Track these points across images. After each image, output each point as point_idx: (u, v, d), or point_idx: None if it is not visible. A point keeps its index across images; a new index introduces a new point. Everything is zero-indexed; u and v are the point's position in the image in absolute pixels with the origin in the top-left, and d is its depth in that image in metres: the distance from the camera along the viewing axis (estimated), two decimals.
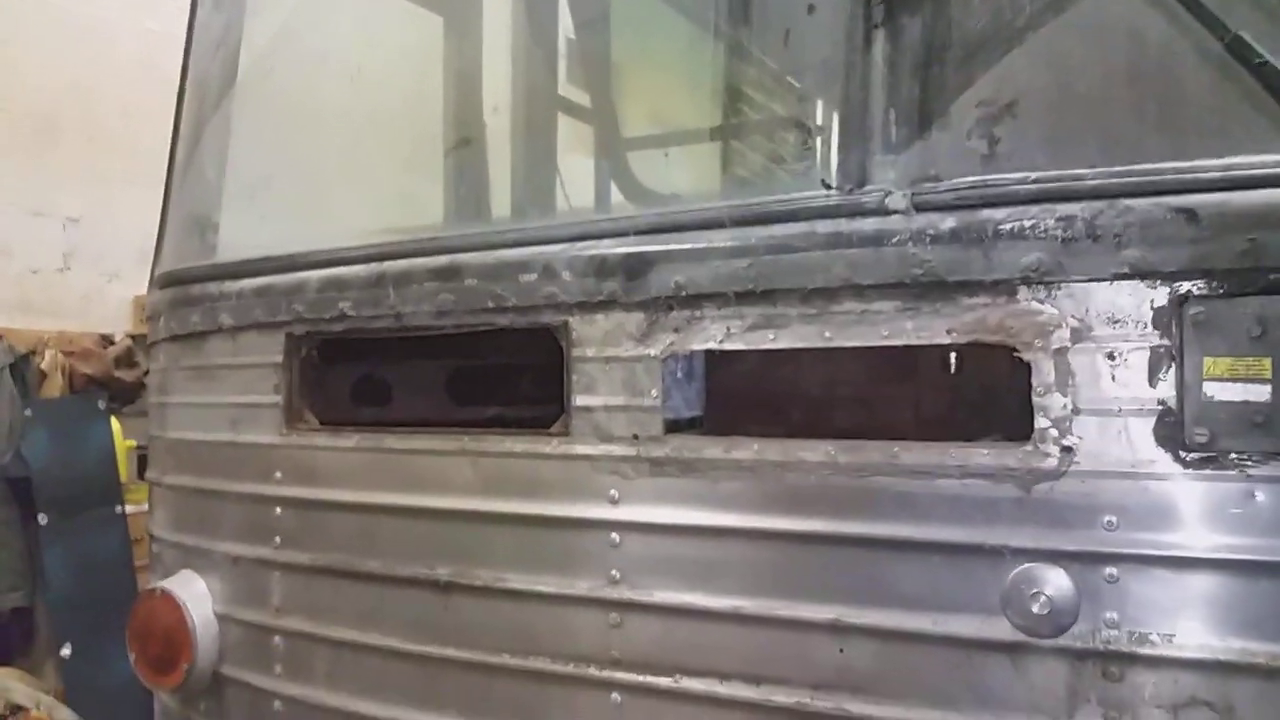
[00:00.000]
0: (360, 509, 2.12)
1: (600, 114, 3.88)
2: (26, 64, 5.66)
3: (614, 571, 1.82)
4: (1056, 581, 1.47)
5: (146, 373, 6.06)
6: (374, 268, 2.11)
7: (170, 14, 6.14)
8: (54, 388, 5.62)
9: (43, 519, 5.00)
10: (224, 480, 2.37)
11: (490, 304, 1.95)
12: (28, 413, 5.25)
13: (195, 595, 2.35)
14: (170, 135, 2.85)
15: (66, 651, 4.85)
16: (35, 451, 5.12)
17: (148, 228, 6.23)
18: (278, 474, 2.25)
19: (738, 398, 2.08)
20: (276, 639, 2.23)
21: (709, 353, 1.84)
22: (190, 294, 2.49)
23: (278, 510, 2.25)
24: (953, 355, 1.87)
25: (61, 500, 5.09)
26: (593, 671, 1.82)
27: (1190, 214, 1.41)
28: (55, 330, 5.74)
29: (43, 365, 5.59)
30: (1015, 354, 1.52)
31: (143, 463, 5.67)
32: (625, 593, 1.81)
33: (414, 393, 2.50)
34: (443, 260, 2.02)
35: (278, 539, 2.24)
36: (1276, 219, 1.37)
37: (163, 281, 2.64)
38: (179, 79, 2.90)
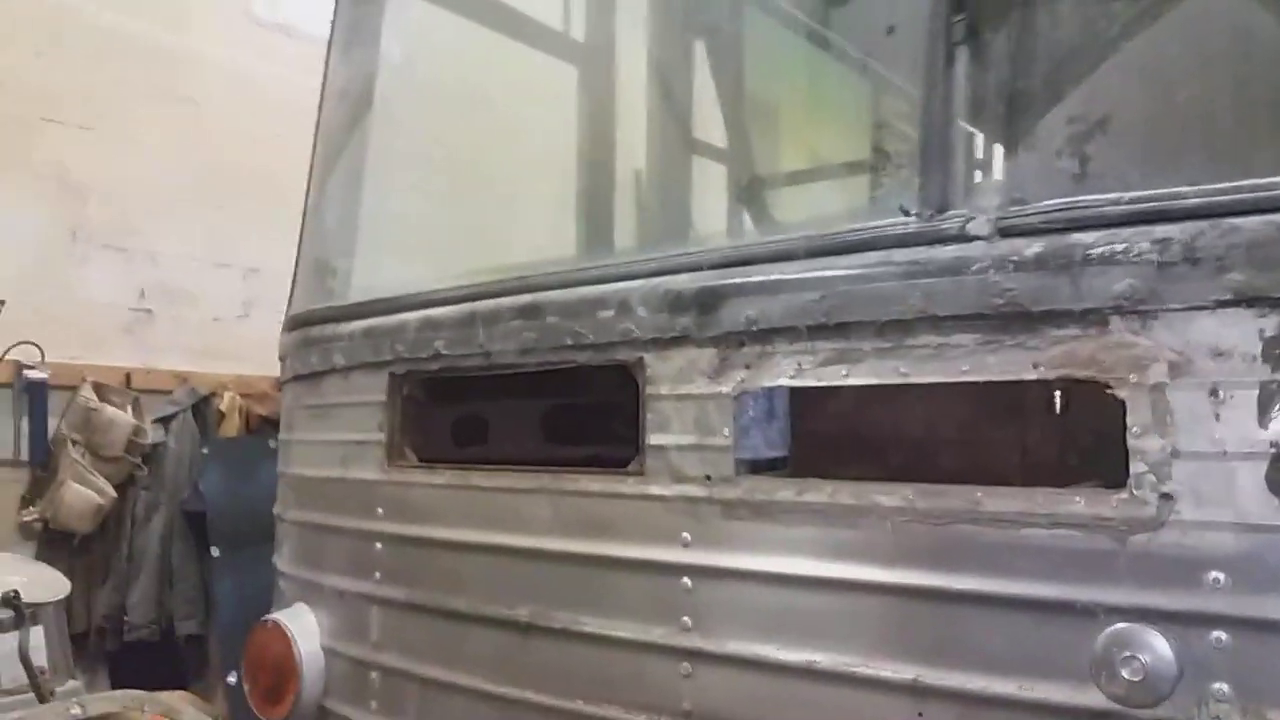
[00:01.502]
0: (450, 546, 2.14)
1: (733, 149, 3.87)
2: (211, 120, 6.12)
3: (686, 618, 1.75)
4: (1153, 645, 1.30)
5: None
6: (465, 308, 2.15)
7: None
8: (231, 428, 6.01)
9: (215, 552, 5.32)
10: (334, 515, 2.44)
11: (569, 341, 1.95)
12: (205, 450, 5.63)
13: (305, 628, 2.42)
14: (307, 174, 3.01)
15: (233, 679, 5.12)
16: (211, 488, 5.47)
17: None
18: (379, 510, 2.31)
19: (832, 439, 1.98)
20: (374, 674, 2.27)
21: (796, 391, 1.76)
22: (310, 335, 2.60)
23: (378, 546, 2.30)
24: (1058, 394, 1.72)
25: (232, 535, 5.39)
26: None
27: None
28: (234, 374, 6.14)
29: (222, 406, 5.99)
30: (1109, 391, 1.38)
31: None
32: (697, 641, 1.74)
33: (512, 432, 2.52)
34: (526, 299, 2.03)
35: (378, 574, 2.29)
36: None
37: (290, 324, 2.78)
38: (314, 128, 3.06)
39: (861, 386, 1.61)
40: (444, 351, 2.18)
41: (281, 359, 2.85)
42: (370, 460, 2.35)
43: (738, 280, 1.73)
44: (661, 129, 3.86)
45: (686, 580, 1.76)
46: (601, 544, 1.88)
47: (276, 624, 2.42)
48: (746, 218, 3.89)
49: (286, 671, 2.37)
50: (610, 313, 1.89)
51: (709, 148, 4.08)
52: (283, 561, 2.72)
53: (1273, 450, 1.26)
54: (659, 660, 1.79)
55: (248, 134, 6.27)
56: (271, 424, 6.23)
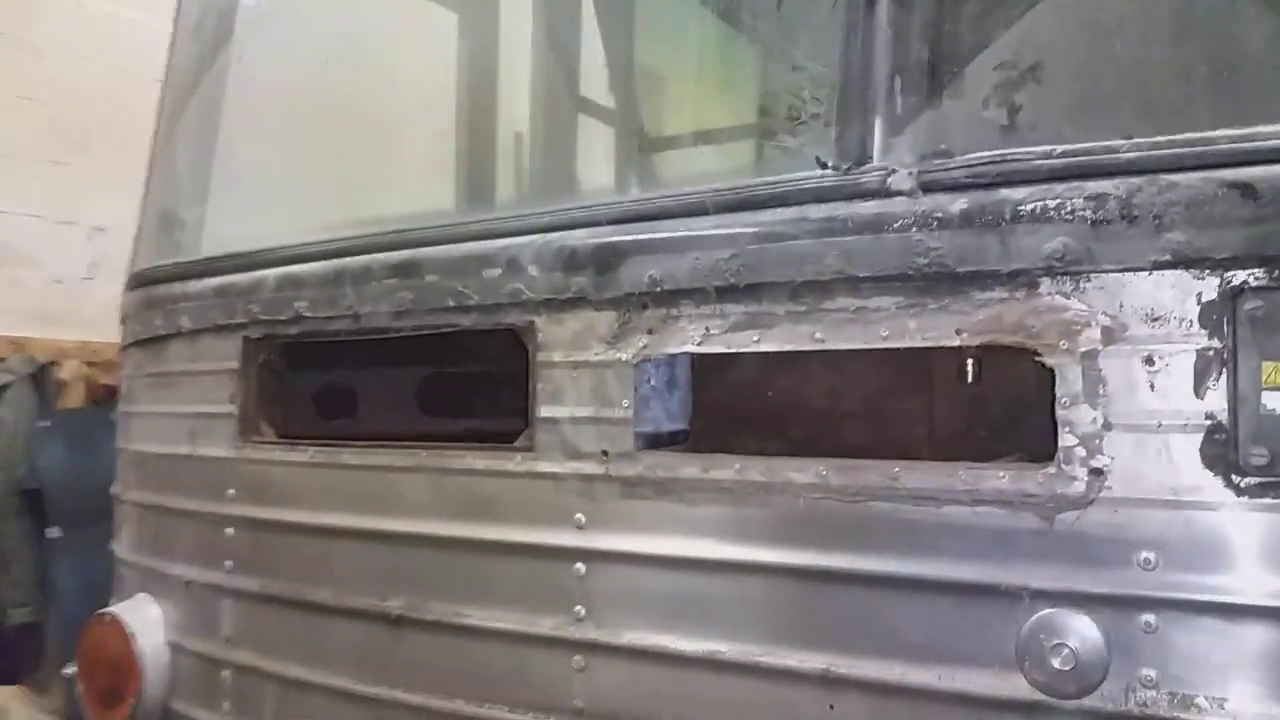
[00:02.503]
0: (313, 531, 1.95)
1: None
2: (58, 68, 5.66)
3: (579, 607, 1.63)
4: (1082, 630, 1.24)
5: None
6: (332, 264, 1.96)
7: None
8: (74, 398, 5.60)
9: (53, 532, 4.95)
10: (180, 497, 2.22)
11: (451, 302, 1.78)
12: (45, 423, 5.22)
13: (147, 621, 2.20)
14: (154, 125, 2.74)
15: (70, 670, 4.77)
16: (49, 463, 5.08)
17: None
18: (231, 491, 2.10)
19: (734, 411, 1.88)
20: (225, 672, 2.07)
21: (697, 359, 1.65)
22: (154, 295, 2.36)
23: (230, 531, 2.09)
24: (970, 362, 1.65)
25: (74, 513, 5.03)
26: None
27: (1247, 189, 1.19)
28: (78, 341, 5.73)
29: (63, 376, 5.57)
30: (1037, 358, 1.30)
31: None
32: (591, 632, 1.61)
33: (382, 404, 2.33)
34: (402, 255, 1.85)
35: (229, 563, 2.08)
36: None
37: (133, 283, 2.52)
38: (165, 71, 2.79)
39: (762, 353, 1.51)
40: (306, 313, 1.98)
41: (123, 321, 2.59)
42: (220, 435, 2.14)
43: (640, 236, 1.60)
44: (548, 79, 3.70)
45: (579, 566, 1.63)
46: (485, 527, 1.74)
47: (114, 618, 2.19)
48: (637, 177, 3.77)
49: (125, 670, 2.15)
50: (497, 271, 1.73)
51: (596, 106, 3.94)
52: (122, 547, 2.48)
53: (1208, 422, 1.21)
54: (548, 654, 1.66)
55: (95, 83, 5.83)
56: (119, 394, 5.86)
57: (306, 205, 2.78)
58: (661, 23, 3.83)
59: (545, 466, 1.68)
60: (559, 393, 1.67)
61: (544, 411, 1.69)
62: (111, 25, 5.90)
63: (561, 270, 1.67)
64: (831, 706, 1.41)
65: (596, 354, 1.63)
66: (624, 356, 1.61)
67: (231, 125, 2.67)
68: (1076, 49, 1.42)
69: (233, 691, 2.05)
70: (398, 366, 2.31)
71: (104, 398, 5.79)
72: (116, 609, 2.23)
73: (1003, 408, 1.68)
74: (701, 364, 1.73)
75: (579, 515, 1.64)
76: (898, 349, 1.38)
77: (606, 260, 1.62)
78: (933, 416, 1.77)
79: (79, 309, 5.98)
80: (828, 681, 1.41)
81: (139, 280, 2.49)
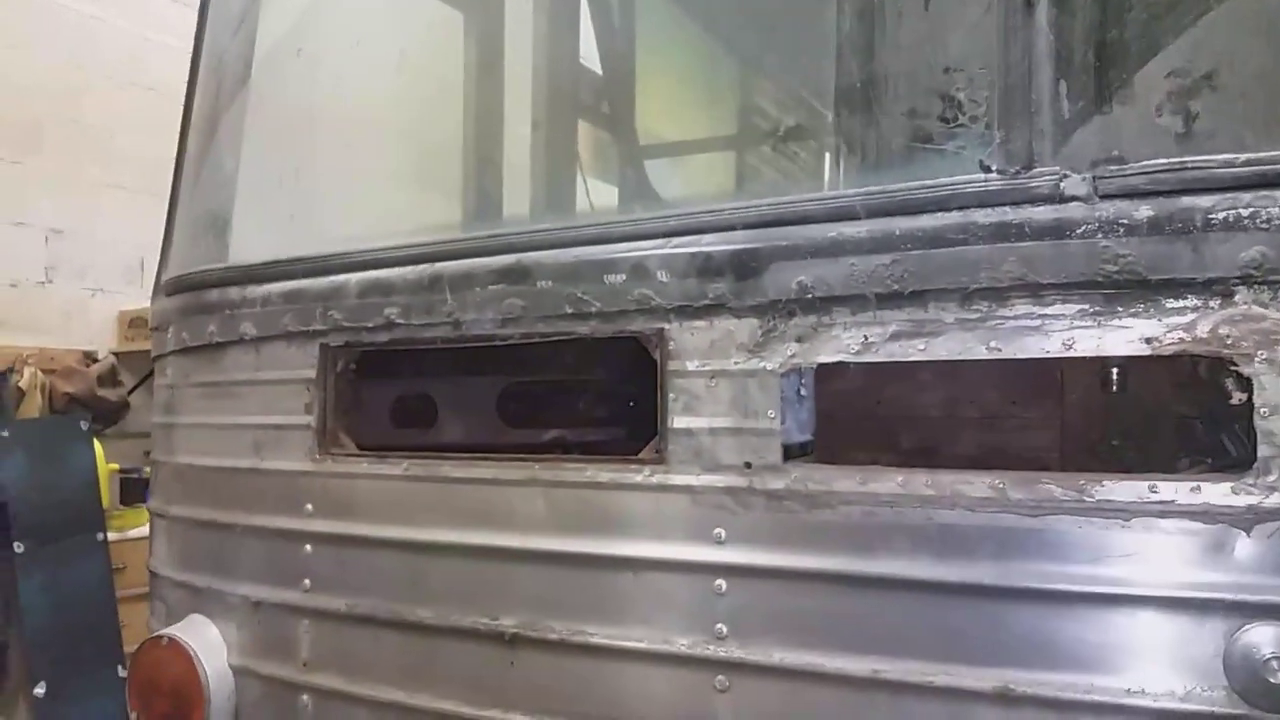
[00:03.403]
0: (409, 547, 1.88)
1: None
2: (9, 65, 5.47)
3: (719, 625, 1.59)
4: None
5: (131, 391, 5.90)
6: (427, 269, 1.89)
7: (159, 19, 6.01)
8: (33, 408, 5.42)
9: (19, 547, 4.76)
10: (244, 513, 2.13)
11: (568, 309, 1.73)
12: (4, 434, 5.02)
13: (208, 644, 2.11)
14: (180, 123, 2.64)
15: (40, 690, 4.60)
16: (12, 475, 4.89)
17: (136, 239, 6.02)
18: (309, 506, 2.02)
19: (850, 422, 1.86)
20: (304, 697, 1.99)
21: (823, 368, 1.62)
22: (206, 300, 2.26)
23: (308, 548, 2.01)
24: (1114, 371, 1.65)
25: (39, 527, 4.87)
26: None
27: None
28: (35, 347, 5.54)
29: (20, 384, 5.38)
30: (1233, 368, 1.30)
31: (125, 487, 5.46)
32: (734, 651, 1.58)
33: (462, 413, 2.27)
34: (509, 259, 1.80)
35: (307, 581, 2.01)
36: None
37: (172, 287, 2.42)
38: (189, 66, 2.69)
39: (878, 364, 1.50)
40: (398, 320, 1.92)
41: (157, 329, 2.48)
42: (294, 447, 2.06)
43: (786, 242, 1.57)
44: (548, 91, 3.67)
45: (720, 582, 1.60)
46: (610, 542, 1.69)
47: (174, 640, 2.09)
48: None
49: (190, 695, 2.05)
50: (621, 277, 1.68)
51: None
52: (164, 565, 2.37)
53: None
54: (685, 674, 1.61)
55: (47, 79, 5.65)
56: (80, 403, 5.66)
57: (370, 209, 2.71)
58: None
59: (679, 479, 1.64)
60: (694, 403, 1.64)
61: (677, 423, 1.65)
62: (66, 19, 5.72)
63: (696, 276, 1.63)
64: None
65: (737, 363, 1.60)
66: (770, 365, 1.57)
67: (257, 135, 2.59)
68: (1254, 56, 1.43)
69: (312, 717, 1.97)
70: (475, 375, 2.24)
71: (65, 406, 5.60)
72: (174, 631, 2.13)
73: (1143, 418, 1.69)
74: (829, 374, 1.70)
75: (718, 530, 1.60)
76: (1098, 359, 1.37)
77: (747, 265, 1.59)
78: (1063, 425, 1.77)
79: (36, 314, 5.79)
80: (1007, 699, 1.39)
81: (179, 285, 2.39)
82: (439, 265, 1.88)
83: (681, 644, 1.62)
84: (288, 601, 2.02)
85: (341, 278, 2.00)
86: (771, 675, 1.55)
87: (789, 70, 3.84)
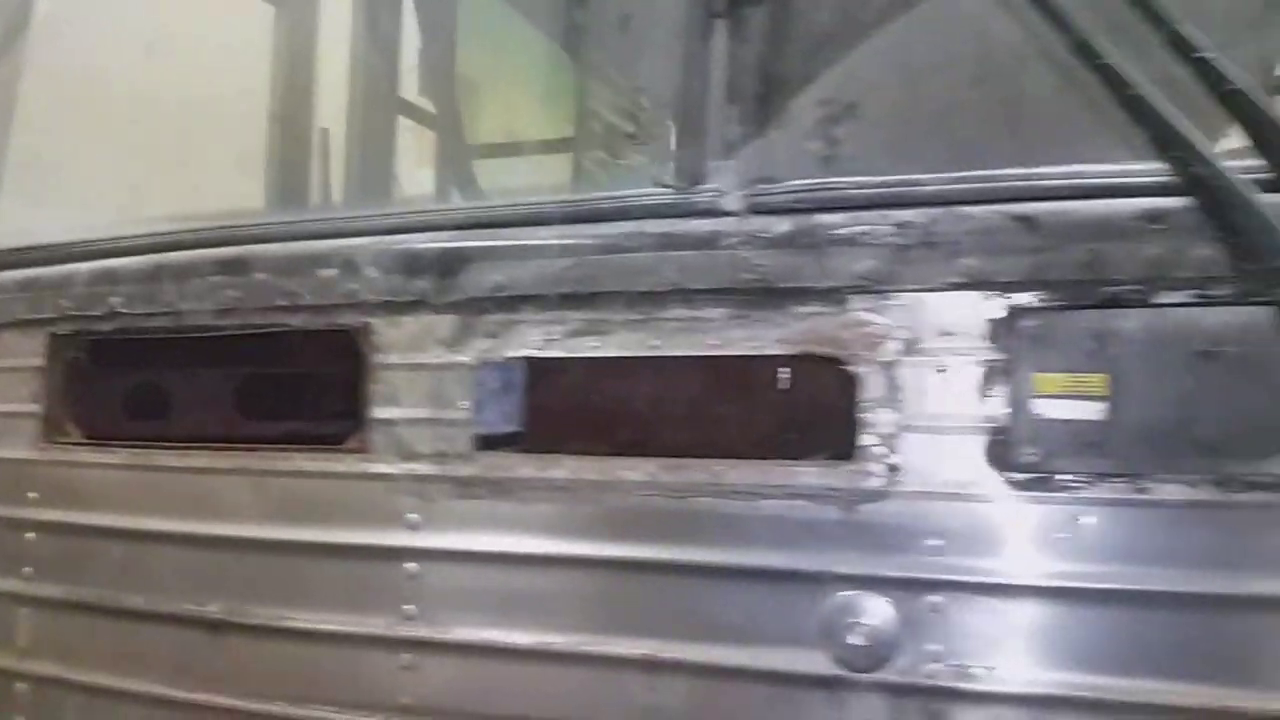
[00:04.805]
0: (126, 535, 1.98)
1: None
2: None
3: (409, 606, 1.75)
4: (877, 610, 1.46)
5: None
6: (151, 259, 2.00)
7: None
8: None
9: None
10: None
11: (282, 302, 1.87)
12: None
13: None
14: None
15: None
16: None
17: None
18: (32, 494, 2.10)
19: (564, 414, 2.04)
20: (21, 685, 2.06)
21: (532, 363, 1.80)
22: None
23: (30, 536, 2.09)
24: (787, 371, 1.87)
25: None
26: None
27: (1029, 222, 1.45)
28: None
29: None
30: (844, 366, 1.53)
31: None
32: (421, 630, 1.73)
33: (200, 405, 2.37)
34: (230, 252, 1.93)
35: (28, 569, 2.08)
36: (1116, 229, 1.41)
37: None
38: None
39: (594, 358, 1.69)
40: (122, 309, 2.02)
41: None
42: (21, 436, 2.13)
43: (485, 243, 1.74)
44: (366, 82, 3.79)
45: (412, 565, 1.75)
46: (312, 530, 1.82)
47: None
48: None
49: None
50: (333, 272, 1.83)
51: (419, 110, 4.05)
52: None
53: (989, 425, 1.46)
54: (375, 654, 1.76)
55: None
56: None
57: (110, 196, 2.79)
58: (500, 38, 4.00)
59: (378, 467, 1.79)
60: (394, 394, 1.79)
61: (379, 413, 1.80)
62: None
63: (402, 273, 1.79)
64: (654, 689, 1.59)
65: (435, 356, 1.77)
66: (464, 359, 1.75)
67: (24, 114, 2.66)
68: (889, 90, 1.68)
69: (31, 704, 2.05)
70: (215, 367, 2.35)
71: None
72: None
73: (812, 412, 1.91)
74: (535, 368, 1.88)
75: (412, 515, 1.76)
76: (722, 357, 1.59)
77: (450, 265, 1.76)
78: (751, 420, 1.98)
79: None
80: (651, 666, 1.59)
81: None
82: (164, 256, 2.00)
83: (373, 625, 1.77)
84: (7, 589, 2.09)
85: (73, 266, 2.10)
86: (454, 652, 1.71)
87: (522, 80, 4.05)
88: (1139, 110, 1.33)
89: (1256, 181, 1.31)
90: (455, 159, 3.92)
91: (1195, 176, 1.31)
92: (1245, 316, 1.37)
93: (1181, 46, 1.33)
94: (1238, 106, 1.30)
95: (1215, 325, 1.39)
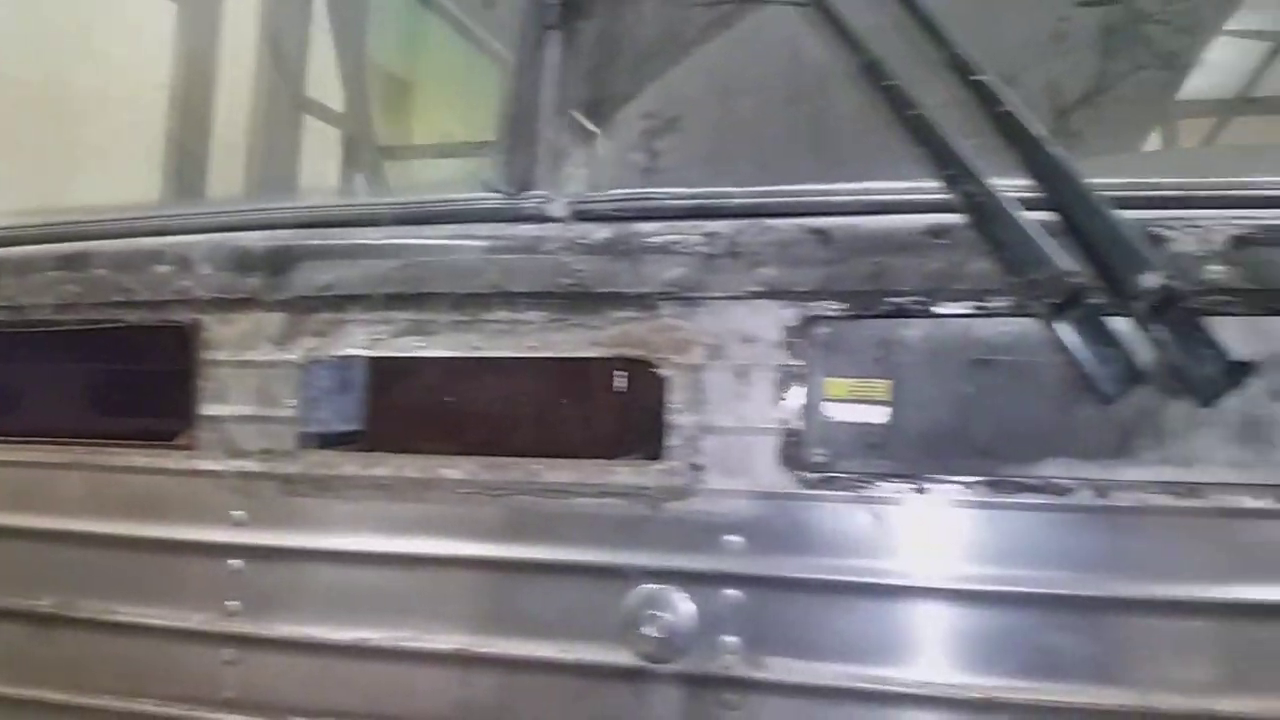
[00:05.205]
0: None
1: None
2: None
3: (232, 602, 1.78)
4: (676, 604, 1.53)
5: None
6: None
7: None
8: None
9: None
10: None
11: (119, 298, 1.89)
12: None
13: None
14: None
15: None
16: None
17: None
18: None
19: (400, 413, 2.08)
20: None
21: (376, 361, 1.84)
22: None
23: None
24: (622, 374, 1.94)
25: None
26: (200, 715, 1.77)
27: (823, 235, 1.54)
28: None
29: None
30: (654, 369, 1.61)
31: None
32: (244, 626, 1.76)
33: (39, 400, 2.37)
34: (70, 246, 1.95)
35: None
36: (901, 243, 1.51)
37: None
38: None
39: (441, 359, 1.74)
40: None
41: None
42: None
43: (316, 242, 1.79)
44: (270, 80, 3.80)
45: (236, 562, 1.79)
46: (142, 525, 1.84)
47: None
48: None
49: None
50: (168, 268, 1.86)
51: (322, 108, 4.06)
52: None
53: (785, 427, 1.55)
54: (199, 649, 1.79)
55: None
56: None
57: None
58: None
59: (206, 464, 1.82)
60: (224, 391, 1.82)
61: (208, 410, 1.83)
62: None
63: (234, 270, 1.83)
64: (469, 683, 1.65)
65: (264, 354, 1.81)
66: (291, 357, 1.79)
67: None
68: (707, 106, 1.76)
69: None
70: (55, 362, 2.35)
71: None
72: None
73: (626, 414, 1.98)
74: (379, 368, 1.93)
75: (237, 512, 1.79)
76: (559, 359, 1.65)
77: (279, 263, 1.80)
78: (569, 421, 2.04)
79: None
80: (464, 660, 1.64)
81: None
82: (4, 250, 2.01)
83: (197, 621, 1.79)
84: None
85: None
86: (275, 648, 1.75)
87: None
88: (918, 130, 1.42)
89: (1025, 200, 1.41)
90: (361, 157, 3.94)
91: (966, 194, 1.40)
92: (1018, 327, 1.47)
93: (961, 69, 1.43)
94: (1008, 127, 1.40)
95: (990, 335, 1.49)
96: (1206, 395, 1.33)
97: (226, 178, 3.73)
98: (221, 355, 1.82)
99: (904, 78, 1.49)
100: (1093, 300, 1.34)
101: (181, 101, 3.66)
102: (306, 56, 3.93)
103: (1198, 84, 1.76)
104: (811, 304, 1.54)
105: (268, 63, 3.80)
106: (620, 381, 1.81)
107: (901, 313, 1.51)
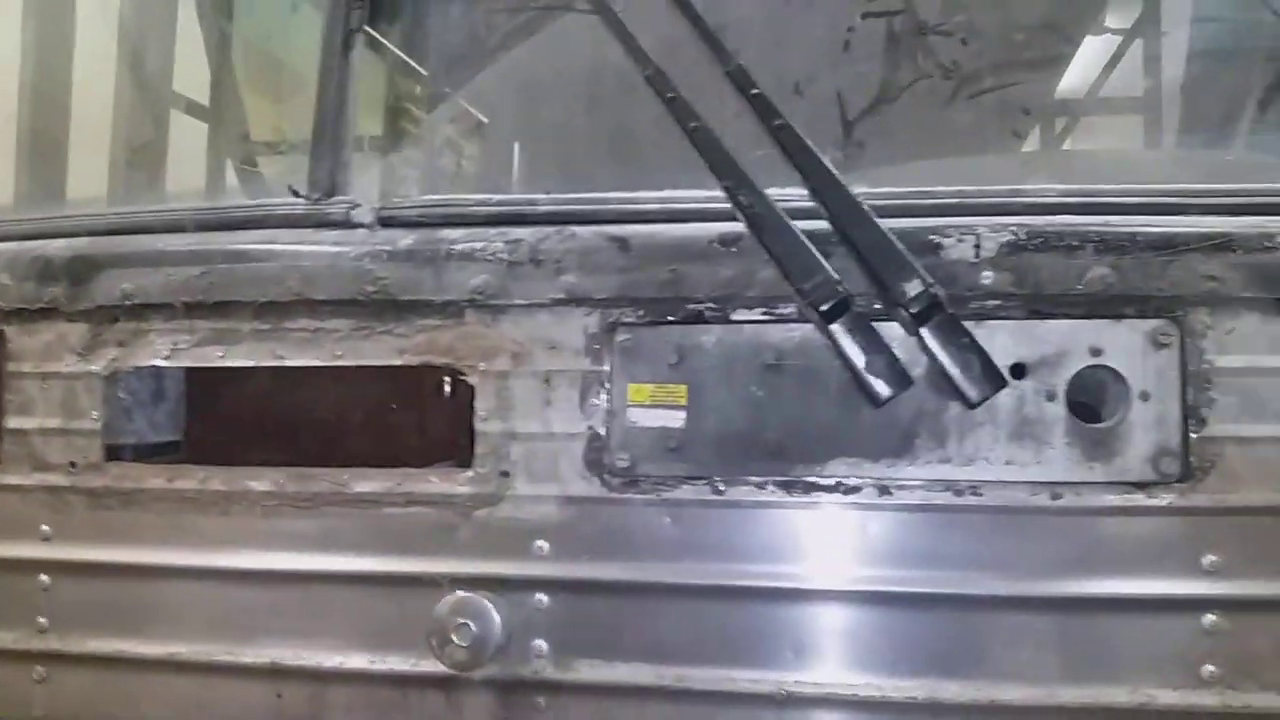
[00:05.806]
0: None
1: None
2: None
3: (42, 619, 1.76)
4: (484, 611, 1.57)
5: None
6: None
7: None
8: None
9: None
10: None
11: None
12: None
13: None
14: None
15: None
16: None
17: None
18: None
19: (236, 424, 2.07)
20: None
21: (195, 371, 1.83)
22: None
23: None
24: (431, 382, 1.96)
25: None
26: None
27: (622, 243, 1.58)
28: None
29: None
30: (462, 378, 1.64)
31: None
32: (53, 643, 1.75)
33: None
34: None
35: None
36: (695, 251, 1.56)
37: None
38: None
39: (259, 369, 1.74)
40: None
41: None
42: None
43: (115, 250, 1.76)
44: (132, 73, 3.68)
45: (44, 577, 1.76)
46: None
47: None
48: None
49: None
50: None
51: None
52: None
53: (589, 432, 1.59)
54: (10, 667, 1.76)
55: None
56: None
57: None
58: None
59: (12, 479, 1.78)
60: (28, 404, 1.79)
61: (12, 423, 1.80)
62: None
63: (35, 280, 1.79)
64: (280, 695, 1.66)
65: (67, 365, 1.78)
66: (95, 368, 1.76)
67: None
68: (513, 114, 1.79)
69: None
70: None
71: None
72: None
73: (436, 422, 2.00)
74: (199, 378, 1.91)
75: (45, 527, 1.77)
76: (366, 368, 1.66)
77: (81, 272, 1.77)
78: (378, 430, 2.05)
79: None
80: (276, 673, 1.66)
81: None
82: None
83: (7, 639, 1.77)
84: None
85: None
86: (85, 664, 1.74)
87: None
88: (697, 141, 1.47)
89: (803, 210, 1.47)
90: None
91: (742, 204, 1.46)
92: (806, 333, 1.53)
93: (741, 83, 1.48)
94: (783, 140, 1.46)
95: (780, 340, 1.55)
96: (972, 397, 1.42)
97: (88, 177, 3.61)
98: (25, 367, 1.79)
99: (705, 89, 1.53)
100: (861, 307, 1.41)
101: (31, 96, 3.53)
102: (173, 47, 3.82)
103: (982, 92, 1.84)
104: (612, 311, 1.58)
105: (128, 54, 3.69)
106: (429, 390, 1.84)
107: (698, 319, 1.56)
